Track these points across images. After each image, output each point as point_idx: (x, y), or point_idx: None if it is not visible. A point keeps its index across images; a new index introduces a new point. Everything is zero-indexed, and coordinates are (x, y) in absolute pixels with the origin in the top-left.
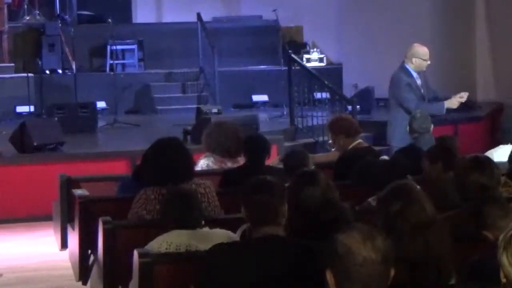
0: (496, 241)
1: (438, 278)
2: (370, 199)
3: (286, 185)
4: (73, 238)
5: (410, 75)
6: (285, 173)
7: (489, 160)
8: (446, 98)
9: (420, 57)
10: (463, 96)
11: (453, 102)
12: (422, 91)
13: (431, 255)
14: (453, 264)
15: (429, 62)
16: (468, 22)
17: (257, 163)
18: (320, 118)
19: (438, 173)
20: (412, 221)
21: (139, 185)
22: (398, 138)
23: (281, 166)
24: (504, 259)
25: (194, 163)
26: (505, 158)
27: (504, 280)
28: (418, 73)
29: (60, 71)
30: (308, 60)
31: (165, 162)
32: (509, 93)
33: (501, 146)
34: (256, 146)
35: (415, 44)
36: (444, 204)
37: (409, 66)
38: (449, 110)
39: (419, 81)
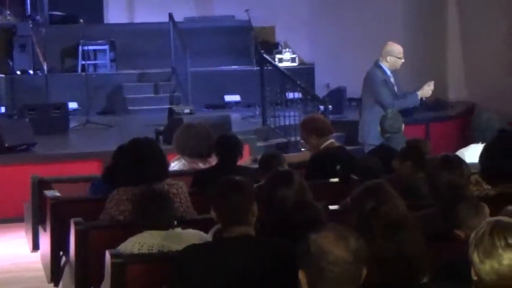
0: (467, 240)
1: (411, 277)
2: (348, 198)
3: (260, 184)
4: (45, 240)
5: (385, 73)
6: (260, 174)
7: (459, 159)
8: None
9: (395, 55)
10: (430, 84)
11: (426, 90)
12: (396, 89)
13: (404, 255)
14: (426, 263)
15: (403, 60)
16: (440, 22)
17: (229, 163)
18: (292, 118)
19: (408, 173)
20: (385, 220)
21: (109, 186)
22: (374, 136)
23: (253, 166)
24: (475, 257)
25: (167, 164)
26: (476, 158)
27: (475, 278)
28: (392, 72)
29: (31, 71)
30: (280, 60)
31: (138, 163)
32: (480, 92)
33: (472, 145)
34: (228, 146)
35: (390, 43)
36: (414, 203)
37: (384, 65)
38: (421, 110)
39: (392, 80)
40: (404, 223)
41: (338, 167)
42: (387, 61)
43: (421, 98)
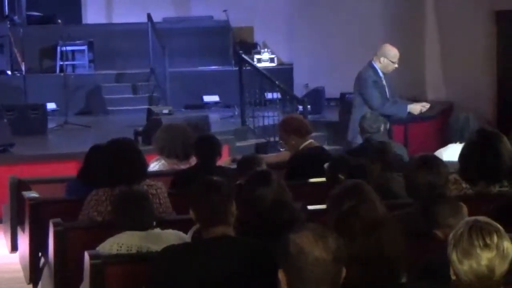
0: (446, 239)
1: (390, 276)
2: None
3: (238, 184)
4: (24, 241)
5: (377, 74)
6: (239, 174)
7: (436, 159)
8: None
9: (389, 58)
10: (425, 106)
11: (416, 108)
12: (387, 91)
13: (384, 254)
14: (405, 263)
15: (396, 66)
16: (418, 22)
17: (208, 163)
18: (271, 118)
19: (378, 174)
20: (364, 220)
21: (85, 187)
22: None
23: (233, 166)
24: (454, 257)
25: (146, 164)
26: (454, 157)
27: (454, 277)
28: (384, 74)
29: (9, 72)
30: (259, 60)
31: (117, 163)
32: (458, 92)
33: (450, 145)
34: (206, 147)
35: (387, 44)
36: (393, 203)
37: (377, 65)
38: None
39: (384, 82)
40: (383, 223)
41: (325, 165)
42: (380, 62)
43: (408, 112)
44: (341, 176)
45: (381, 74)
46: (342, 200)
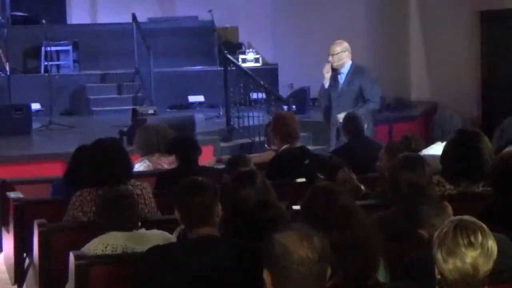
0: (430, 239)
1: (367, 266)
2: None
3: (223, 185)
4: (8, 241)
5: (335, 71)
6: (228, 175)
7: (420, 159)
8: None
9: None
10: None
11: None
12: (336, 90)
13: (359, 248)
14: (381, 258)
15: (331, 59)
16: (403, 22)
17: (190, 163)
18: (256, 118)
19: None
20: (339, 213)
21: (71, 187)
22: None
23: (218, 166)
24: (439, 256)
25: (132, 165)
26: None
27: (438, 277)
28: (352, 72)
29: None
30: (244, 60)
31: (103, 163)
32: (443, 92)
33: (433, 145)
34: (186, 146)
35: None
36: (379, 203)
37: None
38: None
39: (342, 80)
40: (355, 215)
41: (306, 162)
42: None
43: None
44: (321, 176)
45: (340, 71)
46: (316, 198)
